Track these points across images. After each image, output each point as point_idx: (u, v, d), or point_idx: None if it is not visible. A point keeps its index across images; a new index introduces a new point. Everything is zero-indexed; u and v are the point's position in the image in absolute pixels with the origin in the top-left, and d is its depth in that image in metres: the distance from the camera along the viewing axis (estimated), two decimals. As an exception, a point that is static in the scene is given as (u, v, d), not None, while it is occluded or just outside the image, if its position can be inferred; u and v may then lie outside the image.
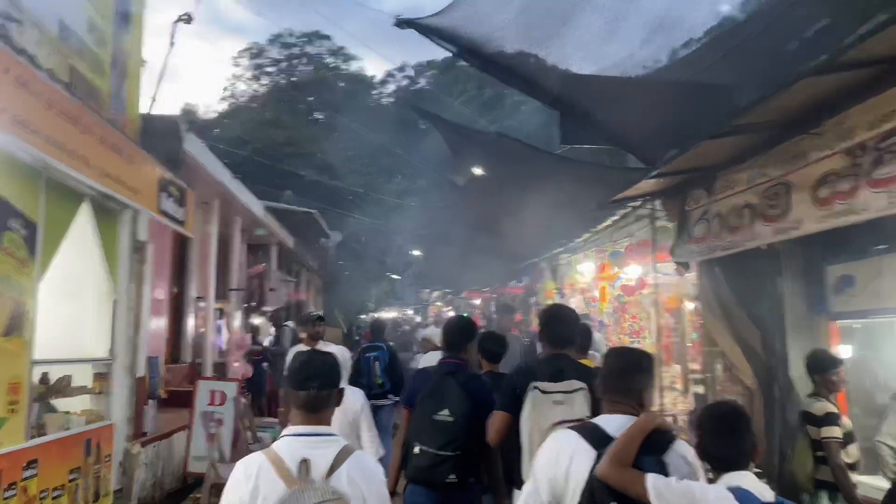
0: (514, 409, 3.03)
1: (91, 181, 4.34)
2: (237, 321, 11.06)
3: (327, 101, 39.08)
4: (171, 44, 6.93)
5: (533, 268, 14.12)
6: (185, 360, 10.22)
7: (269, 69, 53.05)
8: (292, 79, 44.22)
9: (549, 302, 12.31)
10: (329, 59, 54.51)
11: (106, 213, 5.72)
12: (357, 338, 22.77)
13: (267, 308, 11.57)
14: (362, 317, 40.52)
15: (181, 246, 10.25)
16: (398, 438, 3.82)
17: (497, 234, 11.54)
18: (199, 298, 10.48)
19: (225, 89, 48.91)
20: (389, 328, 13.77)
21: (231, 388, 7.32)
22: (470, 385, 3.45)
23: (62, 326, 5.38)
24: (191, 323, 10.50)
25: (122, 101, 6.01)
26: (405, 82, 60.34)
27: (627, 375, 2.26)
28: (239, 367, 10.43)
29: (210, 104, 53.26)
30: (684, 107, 5.51)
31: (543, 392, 2.94)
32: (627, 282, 10.05)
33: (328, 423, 2.14)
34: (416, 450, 3.38)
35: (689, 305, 9.54)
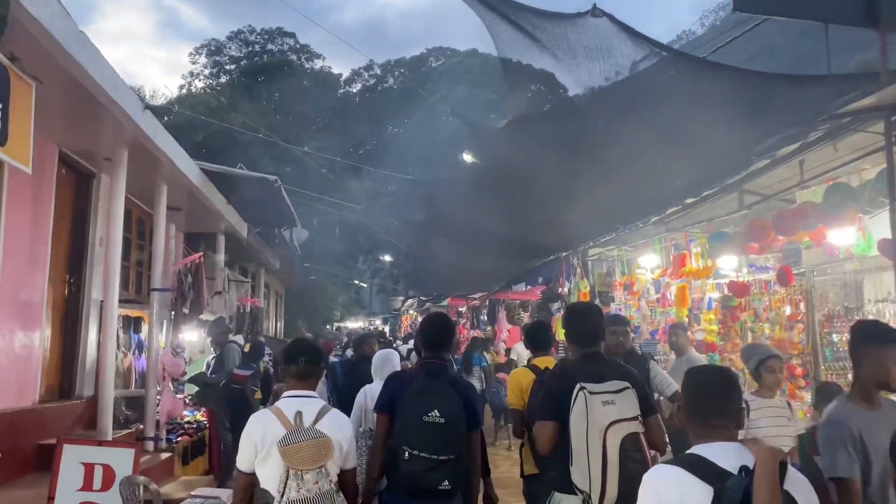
0: (561, 416, 2.94)
1: None
2: (163, 335, 7.74)
3: (291, 87, 35.78)
4: None
5: (554, 265, 11.06)
6: (81, 395, 6.89)
7: (228, 67, 49.93)
8: (253, 65, 40.73)
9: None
10: (292, 57, 51.87)
11: None
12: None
13: (207, 317, 8.23)
14: (327, 328, 36.93)
15: (78, 222, 6.94)
16: (375, 446, 3.41)
17: (524, 217, 8.47)
18: (104, 301, 7.14)
19: (181, 87, 45.37)
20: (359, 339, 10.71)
21: (123, 459, 4.10)
22: (458, 386, 3.31)
23: None
24: (92, 337, 7.17)
25: None
26: (372, 81, 57.81)
27: (727, 394, 1.97)
28: (164, 403, 7.15)
29: (158, 89, 49.68)
30: None
31: (591, 393, 2.88)
32: (724, 275, 7.12)
33: (313, 389, 3.05)
34: (406, 455, 3.07)
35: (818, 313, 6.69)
